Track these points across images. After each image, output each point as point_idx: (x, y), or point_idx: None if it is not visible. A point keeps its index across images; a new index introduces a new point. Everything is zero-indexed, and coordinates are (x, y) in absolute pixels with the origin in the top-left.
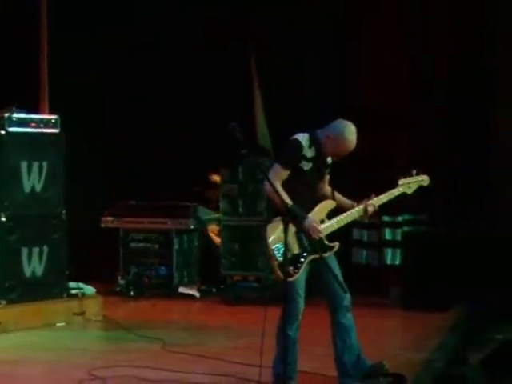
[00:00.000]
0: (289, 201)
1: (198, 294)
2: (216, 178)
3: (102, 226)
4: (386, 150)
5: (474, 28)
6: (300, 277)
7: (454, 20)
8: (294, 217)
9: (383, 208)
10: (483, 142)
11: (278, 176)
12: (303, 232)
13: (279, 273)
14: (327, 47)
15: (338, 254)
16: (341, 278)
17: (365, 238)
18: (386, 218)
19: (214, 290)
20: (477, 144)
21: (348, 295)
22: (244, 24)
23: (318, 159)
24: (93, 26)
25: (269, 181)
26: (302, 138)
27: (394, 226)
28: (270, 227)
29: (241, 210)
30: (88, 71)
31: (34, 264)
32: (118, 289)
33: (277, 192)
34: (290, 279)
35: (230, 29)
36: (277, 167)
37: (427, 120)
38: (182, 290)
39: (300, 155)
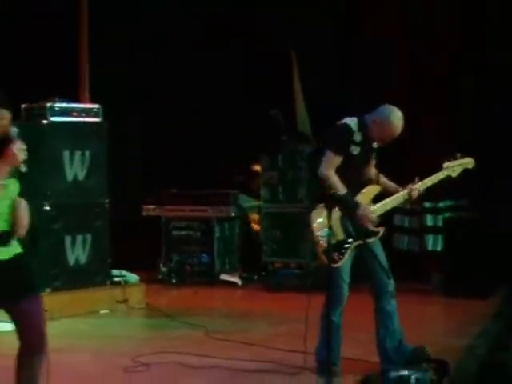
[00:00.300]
0: (343, 189)
1: (239, 282)
2: (258, 167)
3: (144, 214)
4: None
5: (475, 25)
6: (345, 262)
7: (455, 17)
8: (347, 205)
9: (424, 194)
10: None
11: (332, 164)
12: (353, 219)
13: (324, 258)
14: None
15: (381, 240)
16: (385, 264)
17: (406, 224)
18: (427, 204)
19: (255, 277)
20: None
21: (392, 281)
22: (246, 21)
23: (366, 143)
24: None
25: (320, 172)
26: (351, 121)
27: (435, 212)
28: (314, 213)
29: (281, 197)
30: (127, 62)
31: (77, 252)
32: (160, 276)
33: (331, 182)
34: (335, 265)
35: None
36: (330, 155)
37: None
38: (223, 277)
39: (350, 140)
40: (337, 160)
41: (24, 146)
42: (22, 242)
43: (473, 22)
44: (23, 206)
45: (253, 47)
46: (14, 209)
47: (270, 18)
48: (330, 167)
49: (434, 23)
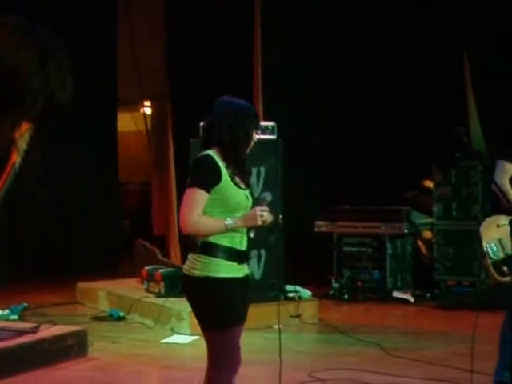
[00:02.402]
0: None
1: (412, 299)
2: (429, 183)
3: (316, 230)
4: None
5: None
6: None
7: None
8: None
9: None
10: None
11: (506, 172)
12: None
13: (493, 272)
14: None
15: None
16: None
17: None
18: None
19: (427, 294)
20: None
21: None
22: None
23: None
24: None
25: (494, 180)
26: None
27: None
28: (484, 224)
29: (454, 213)
30: (304, 76)
31: (252, 267)
32: (331, 292)
33: (503, 190)
34: (503, 279)
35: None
36: (502, 163)
37: None
38: (396, 294)
39: None
40: (510, 169)
41: None
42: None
43: None
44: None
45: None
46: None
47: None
48: (504, 176)
49: None
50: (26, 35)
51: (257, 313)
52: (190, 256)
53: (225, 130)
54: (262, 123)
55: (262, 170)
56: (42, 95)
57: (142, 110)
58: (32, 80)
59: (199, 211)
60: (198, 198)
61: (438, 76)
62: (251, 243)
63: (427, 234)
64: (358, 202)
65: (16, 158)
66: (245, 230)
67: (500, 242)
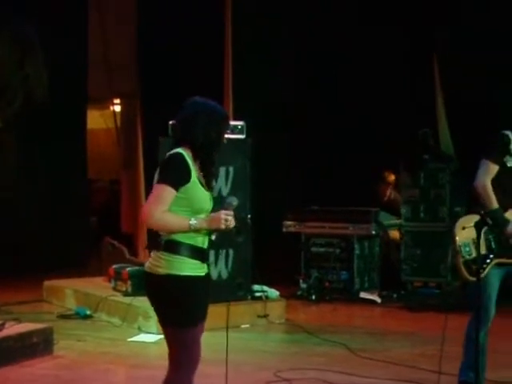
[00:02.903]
0: (494, 204)
1: (379, 300)
2: (391, 176)
3: (284, 230)
4: None
5: None
6: (492, 280)
7: None
8: (496, 221)
9: None
10: None
11: (489, 173)
12: (500, 235)
13: (463, 271)
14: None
15: None
16: None
17: None
18: None
19: (394, 295)
20: None
21: None
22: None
23: None
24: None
25: (477, 180)
26: (508, 132)
27: None
28: (459, 223)
29: (422, 215)
30: (270, 77)
31: (220, 266)
32: (299, 292)
33: (485, 193)
34: (472, 279)
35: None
36: (487, 163)
37: None
38: (363, 295)
39: (506, 149)
40: (494, 169)
41: None
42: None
43: None
44: None
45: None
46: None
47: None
48: (487, 176)
49: None
50: (4, 30)
51: (224, 312)
52: (152, 253)
53: (198, 130)
54: (232, 122)
55: (231, 169)
56: (21, 92)
57: (111, 108)
58: (11, 77)
59: (164, 207)
60: (165, 194)
61: (408, 76)
62: (210, 242)
63: (395, 235)
64: (325, 203)
65: None
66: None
67: (473, 241)
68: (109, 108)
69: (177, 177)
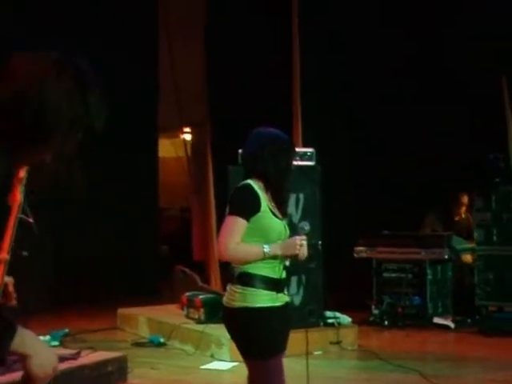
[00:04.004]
0: None
1: (452, 325)
2: (464, 197)
3: (356, 255)
4: None
5: None
6: None
7: None
8: None
9: None
10: None
11: None
12: None
13: None
14: None
15: None
16: None
17: None
18: None
19: (468, 320)
20: None
21: None
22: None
23: None
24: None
25: None
26: None
27: None
28: None
29: (495, 238)
30: (340, 104)
31: (292, 293)
32: (371, 318)
33: None
34: None
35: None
36: None
37: None
38: (436, 320)
39: None
40: None
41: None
42: None
43: None
44: None
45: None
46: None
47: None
48: None
49: None
50: (66, 67)
51: (296, 339)
52: (228, 287)
53: (268, 161)
54: (301, 149)
55: (301, 196)
56: (83, 124)
57: (181, 136)
58: (75, 110)
59: (238, 239)
60: (236, 225)
61: (476, 100)
62: (288, 271)
63: (467, 259)
64: (396, 227)
65: (19, 199)
66: (281, 258)
67: None
68: (179, 137)
69: (247, 207)
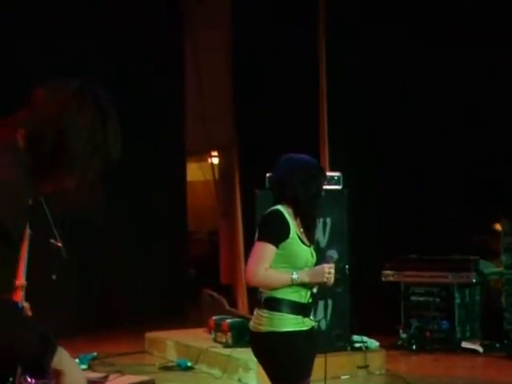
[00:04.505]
0: None
1: (481, 349)
2: (499, 227)
3: (383, 279)
4: None
5: None
6: None
7: None
8: None
9: None
10: None
11: None
12: None
13: None
14: None
15: None
16: None
17: None
18: None
19: (497, 345)
20: None
21: None
22: None
23: None
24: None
25: None
26: None
27: None
28: None
29: None
30: (367, 126)
31: (319, 317)
32: (399, 342)
33: None
34: None
35: None
36: None
37: None
38: (464, 344)
39: None
40: None
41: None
42: None
43: None
44: None
45: None
46: None
47: None
48: None
49: None
50: (86, 97)
51: (322, 363)
52: (255, 312)
53: (298, 188)
54: (328, 173)
55: (328, 220)
56: (103, 152)
57: (209, 160)
58: (95, 139)
59: (266, 265)
60: (266, 252)
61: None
62: (315, 298)
63: (496, 283)
64: (424, 251)
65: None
66: (309, 284)
67: None
68: (207, 160)
69: (276, 233)
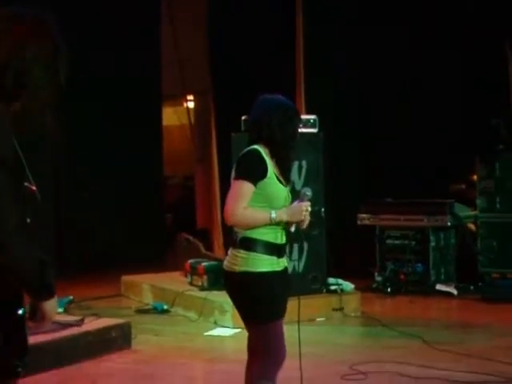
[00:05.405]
0: None
1: (455, 292)
2: (475, 177)
3: (359, 223)
4: None
5: None
6: None
7: None
8: None
9: None
10: None
11: None
12: None
13: None
14: None
15: None
16: None
17: None
18: None
19: (471, 287)
20: None
21: None
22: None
23: None
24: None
25: None
26: None
27: None
28: None
29: (498, 206)
30: (344, 70)
31: (294, 260)
32: (374, 285)
33: None
34: None
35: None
36: None
37: None
38: (439, 287)
39: None
40: None
41: None
42: None
43: None
44: None
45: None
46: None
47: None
48: None
49: None
50: (41, 29)
51: (296, 305)
52: (229, 251)
53: (274, 128)
54: (304, 116)
55: (304, 163)
56: (56, 79)
57: (185, 105)
58: (50, 66)
59: (245, 204)
60: (244, 190)
61: (479, 67)
62: (294, 237)
63: (470, 227)
64: (400, 195)
65: None
66: (284, 224)
67: None
68: (182, 105)
69: (254, 172)
